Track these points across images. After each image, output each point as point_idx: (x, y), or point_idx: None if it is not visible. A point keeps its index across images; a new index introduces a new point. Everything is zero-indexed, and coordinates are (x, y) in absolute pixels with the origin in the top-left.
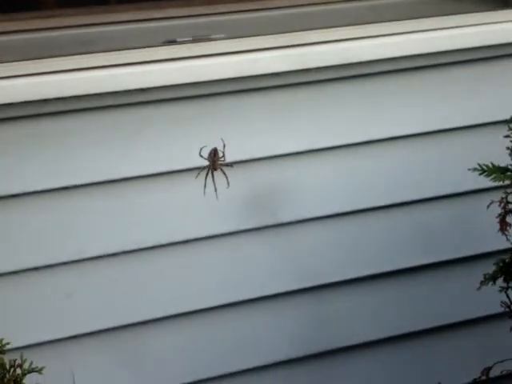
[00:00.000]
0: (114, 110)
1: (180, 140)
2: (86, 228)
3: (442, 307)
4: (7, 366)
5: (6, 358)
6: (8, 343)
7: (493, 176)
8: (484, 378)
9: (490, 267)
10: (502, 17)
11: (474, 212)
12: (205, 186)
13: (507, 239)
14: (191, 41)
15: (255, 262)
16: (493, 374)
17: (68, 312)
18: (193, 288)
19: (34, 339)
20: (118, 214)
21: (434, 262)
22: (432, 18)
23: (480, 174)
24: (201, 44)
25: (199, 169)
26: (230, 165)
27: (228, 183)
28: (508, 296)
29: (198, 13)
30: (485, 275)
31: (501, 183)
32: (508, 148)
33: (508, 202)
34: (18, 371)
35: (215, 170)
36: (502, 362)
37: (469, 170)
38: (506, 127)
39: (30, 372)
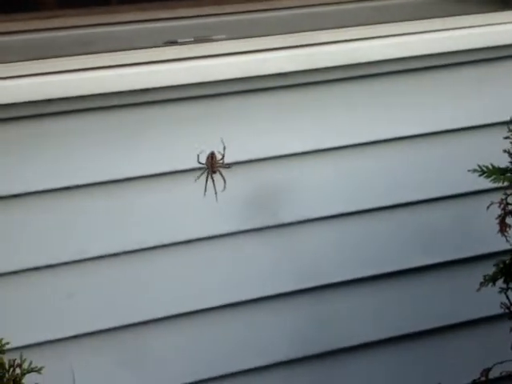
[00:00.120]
0: (116, 110)
1: (182, 140)
2: (88, 228)
3: (443, 308)
4: (6, 366)
5: (7, 358)
6: (8, 343)
7: (492, 177)
8: (483, 379)
9: (490, 268)
10: (505, 18)
11: (476, 213)
12: (205, 190)
13: (507, 240)
14: (193, 41)
15: (257, 262)
16: (492, 375)
17: (69, 312)
18: (194, 288)
19: (35, 339)
20: (119, 214)
21: (434, 263)
22: (437, 19)
23: (480, 176)
24: (204, 44)
25: (202, 169)
26: (228, 166)
27: (225, 187)
28: (508, 297)
29: (202, 13)
30: (485, 276)
31: (500, 184)
32: (505, 151)
33: (508, 204)
34: (18, 371)
35: (214, 173)
36: (501, 363)
37: (468, 171)
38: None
39: (29, 372)
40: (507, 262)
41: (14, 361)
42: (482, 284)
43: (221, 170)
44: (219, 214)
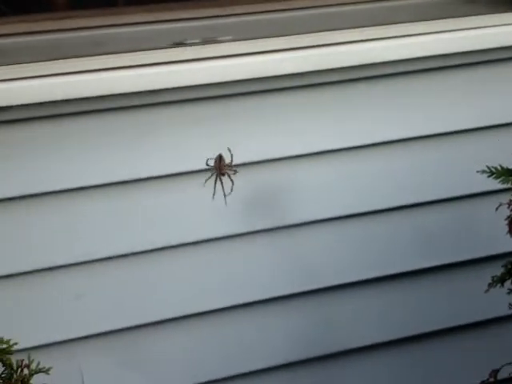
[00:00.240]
0: (128, 111)
1: (191, 141)
2: (96, 229)
3: (447, 310)
4: (14, 367)
5: (16, 359)
6: (15, 343)
7: (501, 178)
8: (492, 380)
9: (493, 269)
10: None
11: (482, 214)
12: (214, 193)
13: None
14: (201, 43)
15: (261, 264)
16: (500, 376)
17: (77, 313)
18: (201, 289)
19: (44, 340)
20: (128, 215)
21: (437, 265)
22: (452, 19)
23: (488, 177)
24: (219, 45)
25: (210, 170)
26: (235, 171)
27: (232, 189)
28: None
29: (209, 15)
30: (493, 277)
31: (509, 185)
32: None
33: None
34: (26, 371)
35: (222, 175)
36: (510, 364)
37: (477, 172)
38: None
39: (37, 372)
40: None
41: (22, 361)
42: (490, 285)
43: (229, 172)
44: (227, 216)
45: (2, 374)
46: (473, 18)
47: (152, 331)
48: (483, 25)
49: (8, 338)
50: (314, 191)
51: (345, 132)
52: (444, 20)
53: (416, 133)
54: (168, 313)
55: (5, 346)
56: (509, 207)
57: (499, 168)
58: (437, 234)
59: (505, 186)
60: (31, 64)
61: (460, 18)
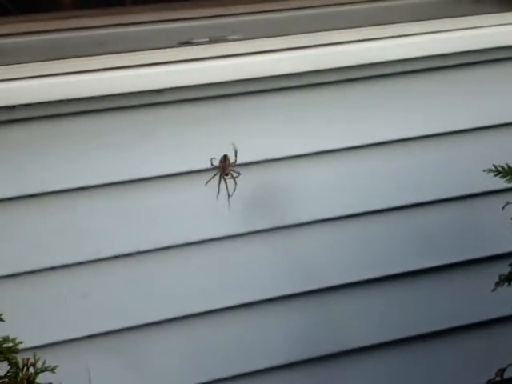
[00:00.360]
0: (131, 110)
1: (197, 140)
2: (103, 228)
3: (448, 310)
4: (20, 365)
5: (22, 358)
6: (21, 342)
7: (508, 177)
8: (498, 379)
9: (500, 269)
10: None
11: (482, 214)
12: (218, 192)
13: None
14: (207, 42)
15: (264, 264)
16: (506, 375)
17: (84, 312)
18: (203, 289)
19: (51, 339)
20: (134, 215)
21: (438, 265)
22: (449, 19)
23: (495, 176)
24: (219, 45)
25: (214, 170)
26: (238, 172)
27: (235, 189)
28: None
29: (216, 14)
30: (500, 276)
31: None
32: None
33: None
34: (31, 370)
35: (226, 175)
36: None
37: (484, 171)
38: None
39: (43, 371)
40: None
41: (28, 360)
42: (497, 284)
43: (232, 172)
44: (227, 216)
45: (8, 372)
46: (470, 17)
47: (156, 330)
48: (481, 24)
49: (14, 337)
50: (314, 191)
51: (344, 132)
52: (441, 20)
53: (415, 133)
54: (172, 312)
55: (11, 344)
56: None
57: (506, 167)
58: (437, 233)
59: (511, 185)
60: (31, 64)
61: (457, 18)
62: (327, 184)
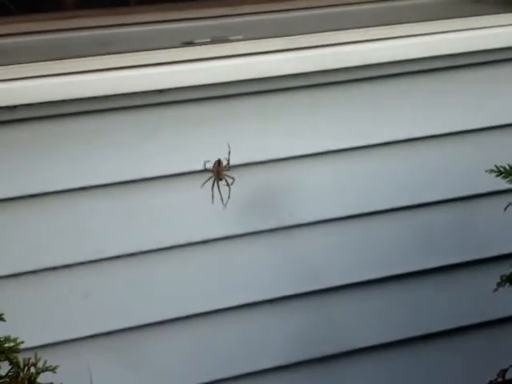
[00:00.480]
0: (133, 110)
1: (199, 140)
2: (104, 228)
3: (452, 310)
4: (21, 365)
5: (23, 357)
6: (22, 342)
7: (509, 178)
8: (500, 379)
9: (502, 269)
10: None
11: (483, 214)
12: (212, 197)
13: None
14: (211, 42)
15: (265, 264)
16: (508, 375)
17: (86, 312)
18: (205, 289)
19: (52, 339)
20: (136, 214)
21: (442, 266)
22: (458, 19)
23: (497, 176)
24: (222, 45)
25: (208, 172)
26: (232, 178)
27: (229, 196)
28: None
29: (219, 14)
30: (501, 277)
31: None
32: None
33: None
34: (32, 370)
35: (220, 180)
36: None
37: (486, 171)
38: None
39: (43, 371)
40: None
41: (29, 360)
42: (499, 284)
43: (227, 178)
44: (229, 216)
45: (9, 372)
46: (478, 17)
47: (158, 330)
48: (489, 25)
49: (15, 337)
50: (316, 192)
51: (348, 132)
52: (450, 20)
53: (420, 133)
54: (174, 312)
55: (12, 344)
56: None
57: (508, 168)
58: (439, 234)
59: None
60: (32, 64)
61: (466, 18)
62: (330, 184)
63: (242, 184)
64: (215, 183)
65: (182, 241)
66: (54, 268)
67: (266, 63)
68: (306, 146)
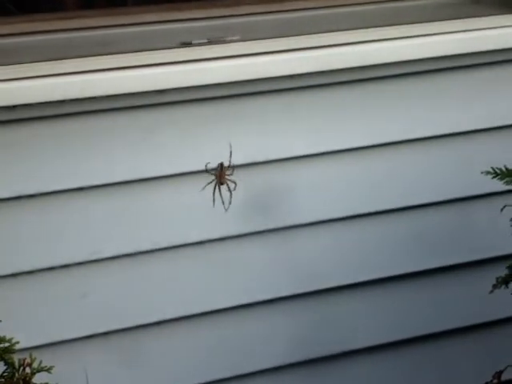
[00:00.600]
0: (132, 110)
1: (198, 141)
2: (102, 228)
3: (450, 311)
4: (16, 365)
5: (18, 358)
6: (17, 342)
7: (505, 179)
8: (496, 381)
9: (499, 271)
10: None
11: (482, 216)
12: (214, 200)
13: None
14: (210, 43)
15: (265, 265)
16: (504, 377)
17: (83, 312)
18: (203, 289)
19: (49, 339)
20: (134, 215)
21: (440, 267)
22: (458, 20)
23: (493, 178)
24: (219, 46)
25: (214, 170)
26: (234, 183)
27: (230, 202)
28: None
29: (216, 15)
30: (497, 278)
31: None
32: None
33: None
34: (28, 370)
35: (222, 184)
36: None
37: (482, 173)
38: None
39: (39, 371)
40: None
41: (24, 360)
42: (494, 286)
43: (228, 182)
44: (228, 216)
45: (4, 372)
46: (481, 18)
47: (156, 331)
48: (488, 26)
49: (10, 337)
50: (315, 192)
51: (350, 133)
52: (453, 21)
53: (421, 133)
54: (171, 313)
55: (7, 344)
56: None
57: (504, 169)
58: (437, 235)
59: (509, 187)
60: (32, 64)
61: (469, 19)
62: (330, 185)
63: (242, 184)
64: (217, 187)
65: (181, 241)
66: (52, 268)
67: (264, 64)
68: (306, 146)
